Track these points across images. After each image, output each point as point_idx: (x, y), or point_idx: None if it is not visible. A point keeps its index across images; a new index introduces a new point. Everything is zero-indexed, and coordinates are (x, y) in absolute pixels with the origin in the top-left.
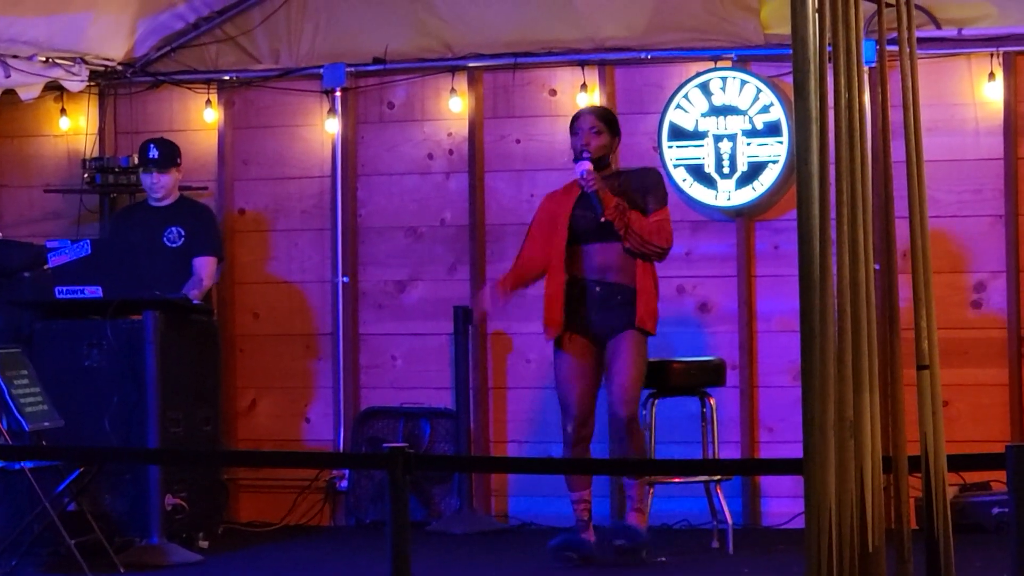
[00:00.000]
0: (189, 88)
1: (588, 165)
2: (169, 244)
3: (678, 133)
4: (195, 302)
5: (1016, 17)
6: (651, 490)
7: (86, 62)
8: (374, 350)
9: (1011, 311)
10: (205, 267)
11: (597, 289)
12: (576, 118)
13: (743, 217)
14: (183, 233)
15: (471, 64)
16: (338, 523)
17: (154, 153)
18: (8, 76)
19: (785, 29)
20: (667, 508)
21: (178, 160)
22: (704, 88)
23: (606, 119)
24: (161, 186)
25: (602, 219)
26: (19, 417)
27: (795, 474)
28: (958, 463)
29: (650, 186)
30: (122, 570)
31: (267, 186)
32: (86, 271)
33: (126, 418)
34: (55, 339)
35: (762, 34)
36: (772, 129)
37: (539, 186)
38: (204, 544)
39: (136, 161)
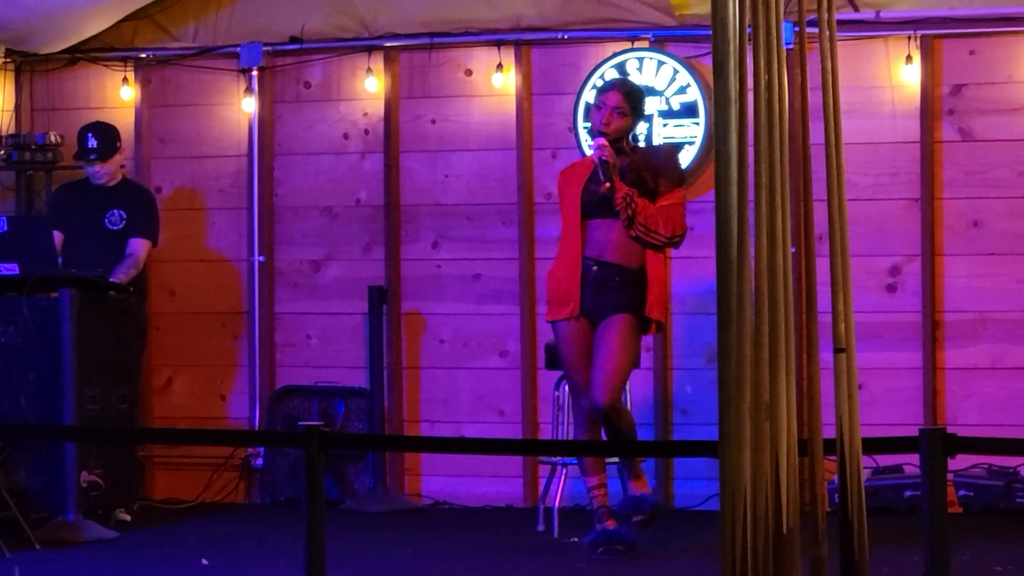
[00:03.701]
0: (106, 65)
1: (603, 140)
2: (111, 227)
3: None
4: (119, 281)
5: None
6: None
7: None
8: (289, 329)
9: (925, 295)
10: (139, 248)
11: (594, 268)
12: (603, 91)
13: None
14: (124, 216)
15: (387, 44)
16: (253, 501)
17: (92, 143)
18: None
19: (703, 10)
20: (581, 489)
21: (118, 144)
22: (620, 68)
23: (634, 100)
24: (104, 174)
25: (605, 186)
26: None
27: (710, 456)
28: (872, 446)
29: (663, 167)
30: (38, 546)
31: (184, 165)
32: (2, 248)
33: (42, 395)
34: None
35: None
36: (688, 110)
37: (453, 167)
38: (126, 517)
39: (53, 139)
